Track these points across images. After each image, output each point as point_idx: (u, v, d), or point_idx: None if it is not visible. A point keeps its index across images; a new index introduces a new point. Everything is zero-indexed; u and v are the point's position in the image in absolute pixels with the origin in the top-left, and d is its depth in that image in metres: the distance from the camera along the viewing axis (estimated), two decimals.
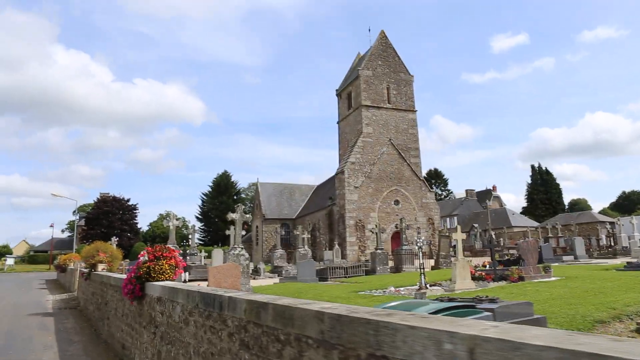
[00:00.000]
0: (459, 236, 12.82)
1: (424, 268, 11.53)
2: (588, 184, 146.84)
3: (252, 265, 24.62)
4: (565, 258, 22.81)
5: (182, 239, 46.90)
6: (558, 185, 74.33)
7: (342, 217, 38.84)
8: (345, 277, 21.05)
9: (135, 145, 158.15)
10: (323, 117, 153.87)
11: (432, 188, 50.45)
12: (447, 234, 22.91)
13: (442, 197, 79.09)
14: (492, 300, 5.83)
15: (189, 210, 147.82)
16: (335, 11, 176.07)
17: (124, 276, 8.32)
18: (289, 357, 2.63)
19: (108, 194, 64.08)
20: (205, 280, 18.47)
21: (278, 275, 24.30)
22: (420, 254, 12.00)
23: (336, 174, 41.39)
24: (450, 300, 6.29)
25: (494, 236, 44.06)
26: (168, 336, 4.99)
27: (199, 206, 78.61)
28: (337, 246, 34.78)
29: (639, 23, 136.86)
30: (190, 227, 27.47)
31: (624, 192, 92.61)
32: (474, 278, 12.65)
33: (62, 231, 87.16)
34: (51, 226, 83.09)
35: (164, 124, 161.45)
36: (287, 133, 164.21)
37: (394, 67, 43.55)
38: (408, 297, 9.52)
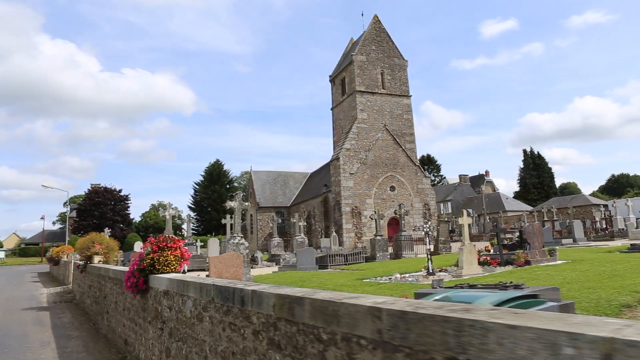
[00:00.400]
0: (465, 221, 12.55)
1: (431, 254, 11.28)
2: (577, 168, 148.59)
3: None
4: (564, 241, 22.78)
5: (175, 228, 46.32)
6: (550, 169, 74.45)
7: (338, 204, 38.57)
8: (346, 264, 20.83)
9: (126, 136, 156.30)
10: (314, 104, 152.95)
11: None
12: (447, 219, 22.73)
13: (435, 182, 79.09)
14: (517, 287, 5.53)
15: (181, 200, 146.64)
16: None
17: (124, 268, 7.94)
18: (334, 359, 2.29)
19: (99, 184, 63.08)
20: (204, 270, 18.13)
21: (276, 264, 24.03)
22: (427, 240, 11.74)
23: (331, 161, 40.98)
24: (471, 287, 6.00)
25: (488, 220, 44.19)
26: (178, 333, 4.65)
27: (192, 196, 77.95)
28: (334, 233, 34.57)
29: (628, 8, 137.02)
30: (185, 217, 26.96)
31: (613, 175, 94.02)
32: (479, 263, 12.43)
33: (53, 223, 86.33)
34: (42, 218, 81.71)
35: (154, 114, 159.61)
36: (279, 122, 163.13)
37: (388, 52, 42.96)
38: (424, 284, 9.25)
